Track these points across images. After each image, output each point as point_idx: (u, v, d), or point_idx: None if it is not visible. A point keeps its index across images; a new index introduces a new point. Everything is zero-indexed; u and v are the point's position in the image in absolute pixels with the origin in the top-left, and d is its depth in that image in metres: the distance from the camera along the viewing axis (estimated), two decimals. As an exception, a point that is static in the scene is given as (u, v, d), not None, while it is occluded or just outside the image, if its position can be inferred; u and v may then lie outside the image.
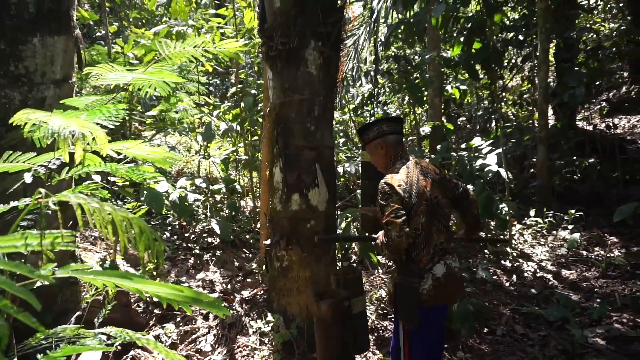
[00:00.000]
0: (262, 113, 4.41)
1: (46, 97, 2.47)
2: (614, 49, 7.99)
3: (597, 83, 9.29)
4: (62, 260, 2.56)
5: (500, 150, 4.96)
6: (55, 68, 2.50)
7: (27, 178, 1.48)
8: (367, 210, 2.84)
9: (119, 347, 2.71)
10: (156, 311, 3.33)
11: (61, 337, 1.38)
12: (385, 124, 2.33)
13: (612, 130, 8.46)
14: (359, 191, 5.33)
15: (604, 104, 9.40)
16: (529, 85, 9.55)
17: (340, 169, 6.01)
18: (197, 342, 3.11)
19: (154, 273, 3.69)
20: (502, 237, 5.15)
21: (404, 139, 2.44)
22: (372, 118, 9.37)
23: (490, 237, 5.21)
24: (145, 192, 3.54)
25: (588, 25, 9.03)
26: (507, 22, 8.00)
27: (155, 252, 1.11)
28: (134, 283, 0.90)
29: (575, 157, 7.36)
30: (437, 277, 2.08)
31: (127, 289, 0.93)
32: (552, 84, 7.45)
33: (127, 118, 5.16)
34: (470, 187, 2.58)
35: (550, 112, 8.24)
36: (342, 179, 6.39)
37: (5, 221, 1.95)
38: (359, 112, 8.84)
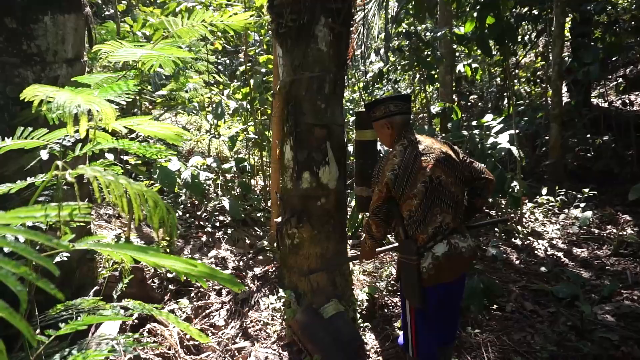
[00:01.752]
0: (271, 91, 4.39)
1: (59, 75, 2.48)
2: (632, 22, 7.75)
3: (614, 59, 9.05)
4: (79, 237, 2.62)
5: (512, 131, 4.90)
6: (66, 47, 2.51)
7: (44, 155, 1.51)
8: (361, 190, 2.87)
9: (136, 321, 2.78)
10: (171, 287, 3.40)
11: (81, 308, 1.43)
12: (393, 104, 2.29)
13: (628, 107, 8.28)
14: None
15: (620, 80, 9.17)
16: (543, 62, 9.35)
17: (350, 147, 5.99)
18: (211, 317, 3.18)
19: (168, 250, 3.76)
20: (500, 217, 5.13)
21: (411, 118, 2.41)
22: (384, 96, 9.30)
23: (488, 221, 5.22)
24: (157, 170, 3.58)
25: (606, -1, 8.75)
26: (522, -4, 7.78)
27: (169, 225, 1.13)
28: (151, 257, 0.92)
29: (589, 135, 7.24)
30: (436, 256, 2.08)
31: (145, 262, 0.96)
32: (567, 59, 7.27)
33: (137, 97, 5.17)
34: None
35: (564, 89, 8.08)
36: (352, 157, 6.38)
37: (23, 198, 2.00)
38: (369, 90, 8.76)
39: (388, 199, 2.19)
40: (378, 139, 2.57)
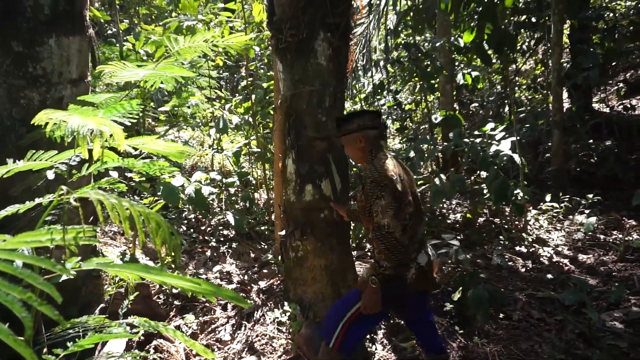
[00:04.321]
0: (273, 105, 4.43)
1: (64, 96, 2.53)
2: (630, 27, 7.80)
3: (614, 64, 9.08)
4: (84, 255, 2.64)
5: (514, 138, 4.91)
6: (71, 68, 2.56)
7: (50, 175, 1.54)
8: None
9: (142, 337, 2.79)
10: (176, 302, 3.41)
11: (87, 326, 1.45)
12: (369, 117, 2.32)
13: (630, 111, 8.29)
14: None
15: (620, 84, 9.19)
16: (543, 69, 9.39)
17: (352, 159, 6.01)
18: (217, 332, 3.18)
19: (172, 266, 3.78)
20: (504, 225, 5.11)
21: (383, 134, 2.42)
22: (385, 107, 9.35)
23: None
24: (161, 186, 3.61)
25: (603, 5, 8.81)
26: (519, 5, 7.85)
27: (172, 246, 1.15)
28: (157, 276, 0.94)
29: (591, 140, 7.23)
30: (421, 266, 2.13)
31: (152, 281, 0.97)
32: (566, 66, 7.30)
33: (140, 114, 5.23)
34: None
35: (565, 95, 8.10)
36: (354, 169, 6.40)
37: (29, 218, 2.03)
38: (369, 102, 8.82)
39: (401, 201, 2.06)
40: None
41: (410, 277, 2.12)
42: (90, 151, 1.37)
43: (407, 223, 2.08)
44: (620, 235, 5.08)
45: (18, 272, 0.64)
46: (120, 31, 6.62)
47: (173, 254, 1.00)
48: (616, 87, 9.19)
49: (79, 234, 0.90)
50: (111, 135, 1.21)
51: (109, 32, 9.18)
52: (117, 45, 6.40)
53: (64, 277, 2.00)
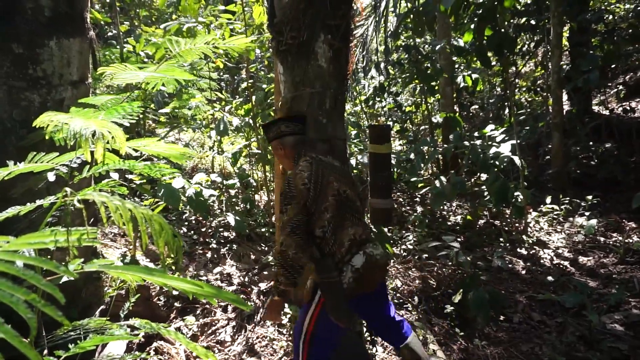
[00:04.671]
0: (273, 107, 4.44)
1: (64, 98, 2.53)
2: (630, 30, 7.81)
3: (613, 66, 9.09)
4: (85, 256, 2.64)
5: (514, 140, 4.91)
6: (71, 70, 2.57)
7: (51, 177, 1.54)
8: (376, 202, 2.88)
9: (142, 339, 2.79)
10: (176, 304, 3.41)
11: (88, 328, 1.44)
12: (284, 125, 2.34)
13: (630, 113, 8.30)
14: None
15: (620, 87, 9.21)
16: (542, 71, 9.41)
17: (353, 161, 6.03)
18: (217, 334, 3.18)
19: (173, 268, 3.78)
20: (505, 227, 5.11)
21: (307, 138, 2.44)
22: (385, 109, 9.36)
23: None
24: (162, 188, 3.62)
25: (603, 7, 8.83)
26: (519, 7, 7.87)
27: (174, 248, 1.15)
28: (160, 278, 0.94)
29: (591, 143, 7.24)
30: (356, 269, 2.05)
31: (154, 283, 0.97)
32: (566, 68, 7.32)
33: (141, 116, 5.24)
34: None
35: (564, 97, 8.11)
36: (354, 171, 6.40)
37: (30, 219, 2.03)
38: (370, 104, 8.83)
39: (305, 218, 2.06)
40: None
41: (347, 282, 2.05)
42: (91, 153, 1.37)
43: (323, 230, 2.06)
44: (620, 238, 5.08)
45: (22, 273, 0.64)
46: (121, 33, 6.63)
47: (175, 255, 1.00)
48: (616, 90, 9.21)
49: (82, 236, 0.90)
50: (113, 138, 1.21)
51: (109, 34, 9.19)
52: (118, 47, 6.41)
53: (65, 279, 2.00)
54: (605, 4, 9.45)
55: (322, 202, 2.07)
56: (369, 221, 2.95)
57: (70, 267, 1.04)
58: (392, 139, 10.15)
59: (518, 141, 5.19)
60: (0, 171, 1.29)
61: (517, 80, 9.84)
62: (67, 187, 1.08)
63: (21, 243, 0.75)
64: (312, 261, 2.14)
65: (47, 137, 1.46)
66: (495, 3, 5.42)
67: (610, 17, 8.29)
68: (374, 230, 2.83)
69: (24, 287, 0.65)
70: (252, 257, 4.49)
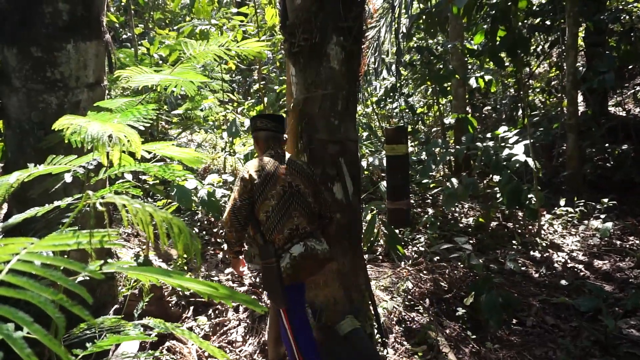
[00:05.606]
0: (285, 109, 4.46)
1: (81, 100, 2.57)
2: (647, 30, 7.67)
3: (630, 67, 8.94)
4: (100, 257, 2.68)
5: (527, 142, 4.86)
6: (88, 72, 2.61)
7: (67, 178, 1.57)
8: (393, 204, 2.89)
9: (155, 338, 2.82)
10: (188, 303, 3.44)
11: (103, 327, 1.47)
12: (260, 120, 2.60)
13: (647, 115, 8.15)
14: (383, 183, 5.34)
15: (637, 88, 9.05)
16: (557, 72, 9.29)
17: (364, 162, 6.02)
18: (229, 334, 3.20)
19: (185, 268, 3.81)
20: (517, 230, 5.05)
21: (279, 136, 2.64)
22: (396, 110, 9.33)
23: None
24: (175, 189, 3.65)
25: (619, 7, 8.69)
26: (533, 7, 7.79)
27: (193, 250, 1.17)
28: (177, 280, 0.95)
29: (607, 144, 7.13)
30: (294, 257, 2.26)
31: (170, 284, 0.99)
32: (581, 69, 7.21)
33: (154, 118, 5.30)
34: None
35: (580, 98, 8.00)
36: (366, 172, 6.40)
37: (46, 220, 2.06)
38: (382, 105, 8.80)
39: (248, 201, 2.31)
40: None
41: (284, 267, 2.25)
42: (107, 155, 1.39)
43: (266, 215, 2.29)
44: (637, 241, 4.99)
45: (49, 274, 0.65)
46: (135, 35, 6.72)
47: (192, 257, 1.01)
48: (633, 91, 9.05)
49: (104, 237, 0.92)
50: (128, 141, 1.23)
51: (124, 36, 9.32)
52: (132, 49, 6.49)
53: (80, 279, 2.03)
54: (622, 3, 9.29)
55: (270, 190, 2.31)
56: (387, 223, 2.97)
57: (90, 267, 1.06)
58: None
59: (532, 142, 5.13)
60: (21, 173, 1.32)
61: (530, 81, 9.73)
62: (81, 188, 1.10)
63: (46, 245, 0.77)
64: (256, 247, 2.39)
65: (65, 140, 1.49)
66: (509, 3, 5.38)
67: (627, 17, 8.15)
68: (386, 232, 2.84)
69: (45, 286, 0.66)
70: (264, 257, 4.51)
